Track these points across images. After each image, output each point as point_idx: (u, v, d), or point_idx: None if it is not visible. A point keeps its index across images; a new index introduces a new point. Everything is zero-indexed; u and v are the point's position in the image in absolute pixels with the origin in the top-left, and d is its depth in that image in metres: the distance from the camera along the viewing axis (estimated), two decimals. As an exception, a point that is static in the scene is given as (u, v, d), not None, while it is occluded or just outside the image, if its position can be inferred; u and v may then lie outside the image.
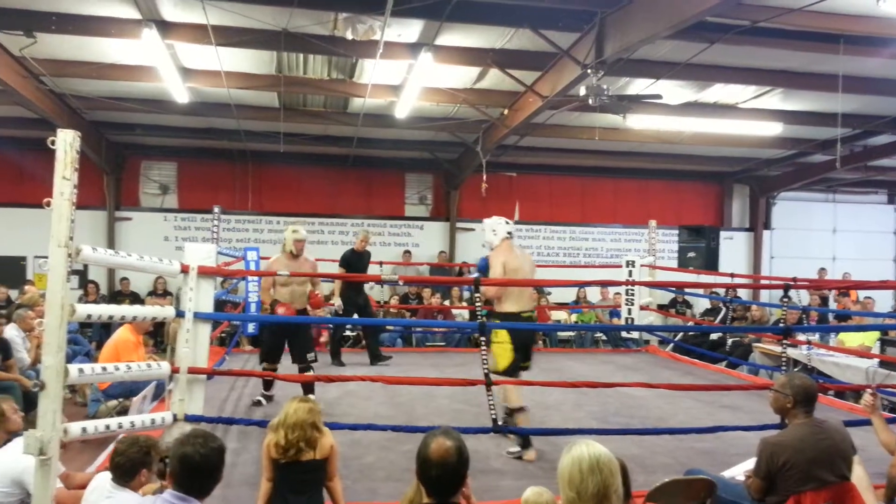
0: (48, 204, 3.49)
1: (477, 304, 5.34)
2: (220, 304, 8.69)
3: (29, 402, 5.17)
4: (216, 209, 10.92)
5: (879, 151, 11.98)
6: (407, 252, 13.63)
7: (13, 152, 12.22)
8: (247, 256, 9.22)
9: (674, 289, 12.16)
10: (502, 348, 5.20)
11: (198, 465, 2.61)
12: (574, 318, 12.55)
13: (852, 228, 15.75)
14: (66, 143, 3.52)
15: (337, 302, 8.83)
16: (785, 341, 6.22)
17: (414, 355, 9.91)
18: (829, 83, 8.48)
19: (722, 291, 12.33)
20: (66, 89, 9.69)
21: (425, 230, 14.33)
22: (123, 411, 5.67)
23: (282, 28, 7.47)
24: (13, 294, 10.34)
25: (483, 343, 5.16)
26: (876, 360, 7.23)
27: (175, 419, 4.72)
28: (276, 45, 7.76)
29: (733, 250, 14.74)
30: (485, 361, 5.10)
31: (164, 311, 5.18)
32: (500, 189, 13.56)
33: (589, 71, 7.12)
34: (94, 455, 4.87)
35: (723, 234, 13.11)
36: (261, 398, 6.59)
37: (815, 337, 8.54)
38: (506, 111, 10.03)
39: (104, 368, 4.39)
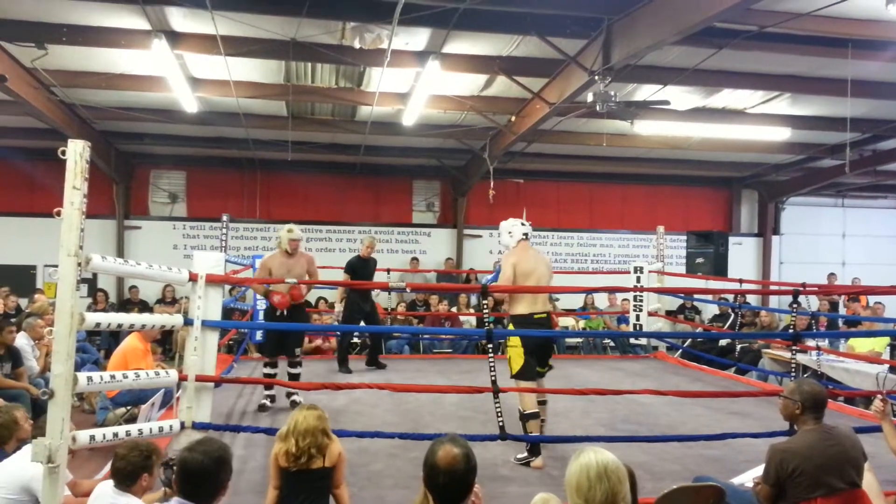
0: (58, 213, 3.51)
1: (484, 310, 5.34)
2: (228, 312, 8.74)
3: (37, 410, 5.20)
4: (225, 217, 10.97)
5: (888, 156, 11.93)
6: (414, 259, 13.64)
7: (24, 162, 12.34)
8: (255, 264, 9.25)
9: (682, 295, 12.11)
10: (514, 352, 5.21)
11: (194, 471, 2.62)
12: (582, 324, 12.53)
13: (862, 233, 15.66)
14: (76, 153, 3.54)
15: (337, 308, 8.85)
16: (794, 347, 6.19)
17: (421, 362, 9.90)
18: (837, 88, 8.45)
19: (731, 297, 12.26)
20: (77, 100, 9.78)
21: (433, 237, 14.34)
22: (132, 419, 5.68)
23: (290, 38, 7.53)
24: (23, 303, 10.40)
25: (490, 350, 5.16)
26: (886, 366, 7.17)
27: (183, 427, 4.74)
28: (285, 54, 7.82)
29: (742, 256, 14.67)
30: (492, 368, 5.10)
31: (173, 319, 5.20)
32: (507, 195, 13.56)
33: (596, 77, 7.13)
34: (102, 463, 4.87)
35: (731, 239, 13.04)
36: (265, 401, 6.69)
37: (825, 343, 8.47)
38: (513, 118, 10.05)
39: (112, 376, 4.41)
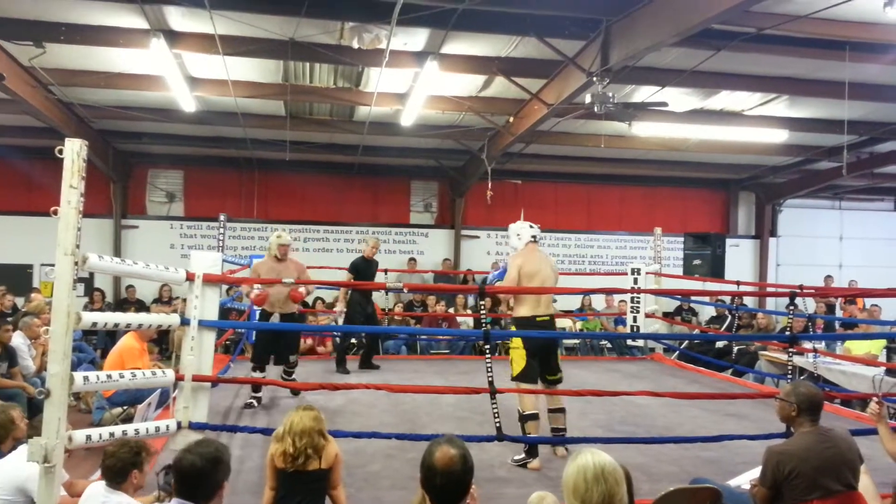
0: (55, 212, 3.51)
1: (482, 311, 5.34)
2: (225, 312, 8.72)
3: (33, 410, 5.19)
4: (222, 217, 10.96)
5: (886, 158, 11.96)
6: (412, 259, 13.64)
7: (21, 161, 12.32)
8: (252, 265, 9.23)
9: (679, 296, 12.11)
10: (516, 353, 5.23)
11: (190, 472, 2.64)
12: (579, 325, 12.53)
13: (859, 236, 15.69)
14: (73, 151, 3.54)
15: (339, 307, 8.84)
16: (791, 349, 6.19)
17: (418, 363, 9.89)
18: (835, 90, 8.48)
19: (728, 299, 12.28)
20: (74, 98, 9.76)
21: (430, 238, 14.34)
22: (128, 419, 5.67)
23: (289, 37, 7.52)
24: (19, 302, 10.38)
25: (487, 351, 5.16)
26: (882, 369, 7.18)
27: (179, 427, 4.73)
28: (283, 54, 7.82)
29: (739, 258, 14.69)
30: (489, 369, 5.10)
31: (170, 318, 5.19)
32: (505, 196, 13.57)
33: (594, 79, 7.13)
34: (98, 463, 4.86)
35: (728, 241, 13.06)
36: (252, 400, 6.71)
37: (822, 345, 8.49)
38: (511, 119, 10.05)
39: (109, 376, 4.41)
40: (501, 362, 5.84)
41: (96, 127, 11.46)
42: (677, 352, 10.86)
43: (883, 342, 7.95)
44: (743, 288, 10.55)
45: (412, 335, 11.12)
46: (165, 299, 12.09)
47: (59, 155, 3.53)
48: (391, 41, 7.18)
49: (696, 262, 11.84)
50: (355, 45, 7.40)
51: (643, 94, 9.19)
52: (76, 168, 3.53)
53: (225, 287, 9.41)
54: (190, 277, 4.88)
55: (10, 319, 7.42)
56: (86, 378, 3.97)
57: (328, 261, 11.73)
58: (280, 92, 9.35)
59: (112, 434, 4.17)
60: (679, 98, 9.44)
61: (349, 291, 8.76)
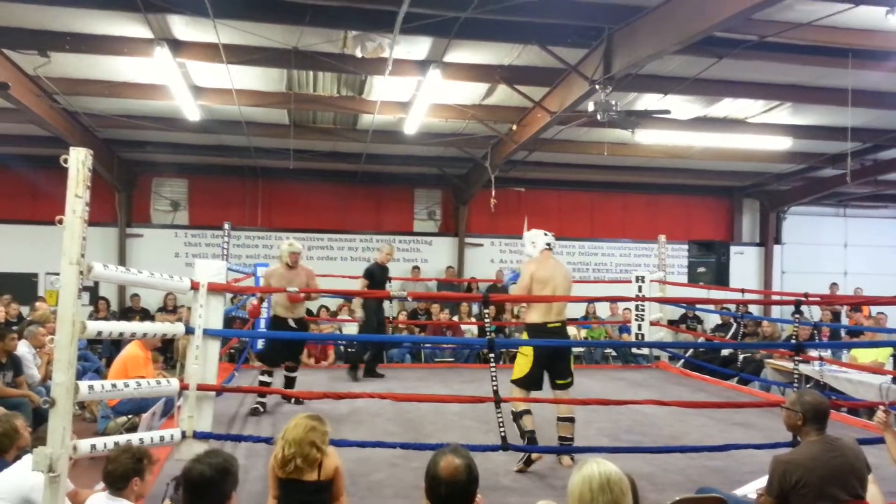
0: (60, 221, 3.51)
1: (486, 319, 5.34)
2: (229, 321, 8.73)
3: (38, 419, 5.19)
4: (226, 225, 10.97)
5: (890, 165, 11.94)
6: (416, 267, 13.64)
7: (26, 170, 12.35)
8: (257, 273, 9.25)
9: (684, 304, 12.07)
10: (523, 359, 5.25)
11: (199, 482, 2.66)
12: (584, 333, 12.50)
13: (863, 243, 15.64)
14: (78, 160, 3.54)
15: (358, 313, 8.94)
16: (797, 357, 6.16)
17: (422, 371, 9.89)
18: (838, 97, 8.47)
19: (733, 307, 12.23)
20: (79, 107, 9.80)
21: (434, 245, 14.33)
22: (133, 428, 5.67)
23: (292, 46, 7.55)
24: (25, 310, 10.40)
25: (492, 359, 5.15)
26: (889, 377, 7.15)
27: (184, 436, 4.71)
28: (287, 62, 7.84)
29: (744, 265, 14.65)
30: (494, 378, 5.09)
31: (175, 327, 5.18)
32: (508, 204, 13.55)
33: (597, 86, 7.14)
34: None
35: (733, 248, 13.03)
36: (258, 405, 6.82)
37: (828, 353, 8.45)
38: (514, 127, 10.06)
39: (114, 385, 4.40)
40: (506, 371, 5.82)
41: (101, 136, 11.50)
42: (682, 360, 10.82)
43: (889, 350, 7.91)
44: (748, 296, 10.49)
45: (416, 343, 11.10)
46: (170, 308, 12.10)
47: (63, 164, 3.53)
48: (394, 50, 7.20)
49: (701, 269, 11.81)
50: (358, 53, 7.42)
51: (646, 101, 9.19)
52: (81, 177, 3.53)
53: (230, 296, 9.43)
54: (194, 286, 4.88)
55: (15, 328, 7.43)
56: (91, 387, 3.96)
57: (332, 269, 11.72)
58: (283, 101, 9.38)
59: (117, 443, 4.15)
60: (682, 106, 9.44)
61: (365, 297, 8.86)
